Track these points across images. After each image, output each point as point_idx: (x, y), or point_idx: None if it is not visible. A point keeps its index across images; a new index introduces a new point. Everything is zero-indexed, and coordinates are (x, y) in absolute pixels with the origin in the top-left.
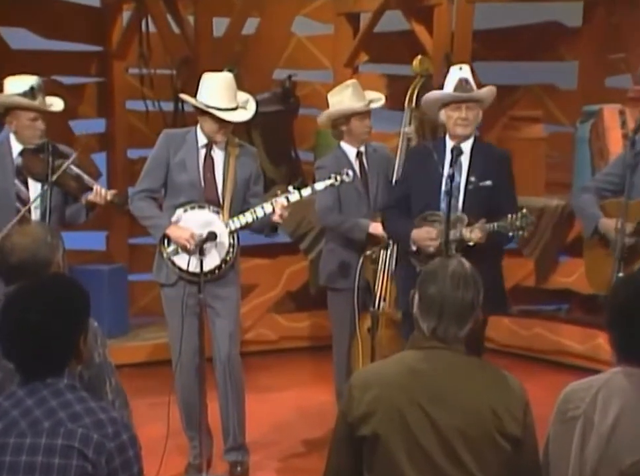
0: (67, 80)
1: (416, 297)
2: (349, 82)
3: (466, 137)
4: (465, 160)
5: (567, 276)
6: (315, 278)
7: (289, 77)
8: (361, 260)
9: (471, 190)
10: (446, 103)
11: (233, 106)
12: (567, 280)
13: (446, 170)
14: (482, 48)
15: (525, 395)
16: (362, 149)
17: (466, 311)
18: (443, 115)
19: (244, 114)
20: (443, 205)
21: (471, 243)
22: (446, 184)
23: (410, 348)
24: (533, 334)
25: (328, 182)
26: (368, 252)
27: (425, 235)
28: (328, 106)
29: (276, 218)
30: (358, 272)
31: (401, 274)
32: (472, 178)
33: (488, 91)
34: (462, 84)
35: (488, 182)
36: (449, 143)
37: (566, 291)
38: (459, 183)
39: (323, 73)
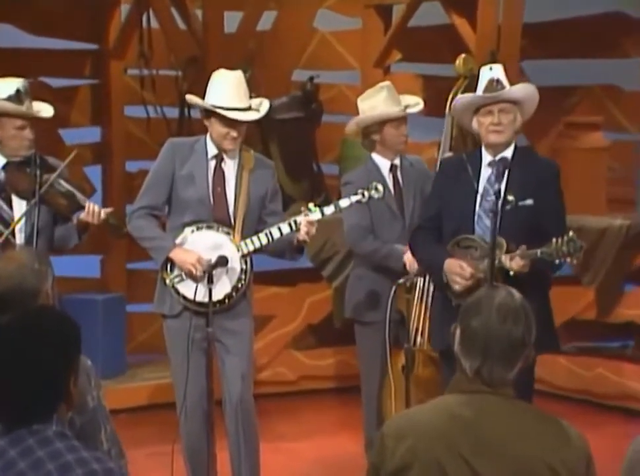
0: (56, 82)
1: (458, 332)
2: (383, 84)
3: (503, 147)
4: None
5: (633, 307)
6: (340, 309)
7: (311, 78)
8: (394, 289)
9: (509, 210)
10: (477, 108)
11: (244, 105)
12: (634, 313)
13: (482, 186)
14: (533, 44)
15: (586, 447)
16: (397, 161)
17: (515, 348)
18: (475, 123)
19: (254, 114)
20: (477, 227)
21: (511, 272)
22: (486, 201)
23: (451, 391)
24: (595, 376)
25: (354, 198)
26: (402, 280)
27: (457, 270)
28: (356, 112)
29: (301, 236)
30: (390, 302)
31: (436, 306)
32: (510, 197)
33: (523, 89)
34: (492, 85)
35: (529, 201)
36: (486, 155)
37: (632, 325)
38: (495, 202)
39: (350, 73)
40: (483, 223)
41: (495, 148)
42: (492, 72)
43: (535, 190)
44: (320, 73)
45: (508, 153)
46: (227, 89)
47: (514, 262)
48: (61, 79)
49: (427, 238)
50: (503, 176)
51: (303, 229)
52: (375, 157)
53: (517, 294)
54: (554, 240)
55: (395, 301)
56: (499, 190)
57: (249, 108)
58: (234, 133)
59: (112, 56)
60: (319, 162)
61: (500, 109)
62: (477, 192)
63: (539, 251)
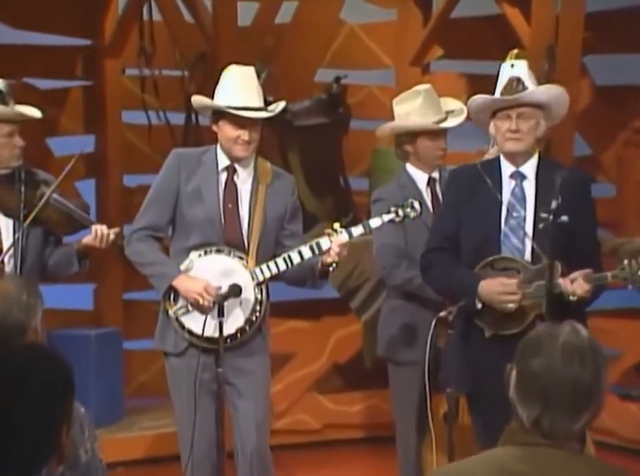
0: (43, 84)
1: (513, 374)
2: (421, 88)
3: (524, 156)
4: (529, 187)
5: None
6: (371, 347)
7: (338, 79)
8: (433, 323)
9: (542, 228)
10: (495, 112)
11: (256, 105)
12: None
13: (506, 198)
14: (597, 37)
15: None
16: (436, 174)
17: (581, 395)
18: (492, 127)
19: (267, 113)
20: (504, 248)
21: (572, 298)
22: (512, 218)
23: (505, 443)
24: None
25: (386, 217)
26: (443, 313)
27: (500, 288)
28: (390, 117)
29: (330, 258)
30: (429, 338)
31: (459, 340)
32: (543, 214)
33: (546, 91)
34: (512, 85)
35: (565, 218)
36: (506, 165)
37: None
38: (524, 219)
39: (383, 73)
40: (511, 243)
41: (514, 157)
42: (514, 69)
43: (567, 206)
44: (349, 73)
45: (531, 163)
46: (236, 86)
47: (577, 286)
48: (48, 80)
49: (447, 260)
50: (554, 189)
51: (335, 249)
52: (410, 168)
53: (583, 331)
54: (626, 262)
55: (435, 338)
56: (555, 209)
57: (263, 108)
58: (245, 136)
59: (107, 53)
60: (346, 176)
61: (519, 114)
62: (500, 203)
63: (609, 274)
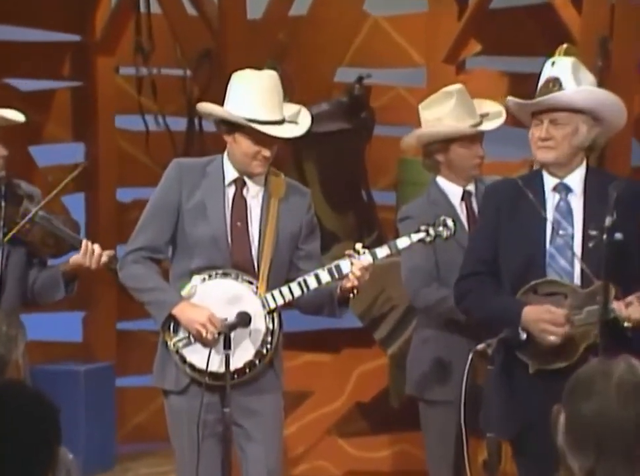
0: (26, 85)
1: (562, 418)
2: (452, 89)
3: (564, 167)
4: (576, 201)
5: None
6: (398, 384)
7: (360, 79)
8: (470, 356)
9: (592, 247)
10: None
11: (278, 118)
12: None
13: (550, 215)
14: None
15: None
16: (471, 187)
17: None
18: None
19: (296, 129)
20: (550, 270)
21: (627, 324)
22: (559, 236)
23: None
24: None
25: (415, 237)
26: (482, 345)
27: (546, 316)
28: (419, 123)
29: (351, 282)
30: (466, 374)
31: (498, 378)
32: (593, 231)
33: (587, 94)
34: (548, 86)
35: (619, 235)
36: (548, 177)
37: None
38: (572, 237)
39: (412, 72)
40: (558, 264)
41: (553, 168)
42: (554, 68)
43: (621, 221)
44: (372, 72)
45: (577, 174)
46: (259, 96)
47: (633, 311)
48: (32, 81)
49: (485, 287)
50: (606, 204)
51: (356, 273)
52: (442, 181)
53: None
54: None
55: (473, 374)
56: (606, 226)
57: (284, 120)
58: (266, 153)
59: (99, 50)
60: (370, 189)
61: (551, 119)
62: (545, 220)
63: None
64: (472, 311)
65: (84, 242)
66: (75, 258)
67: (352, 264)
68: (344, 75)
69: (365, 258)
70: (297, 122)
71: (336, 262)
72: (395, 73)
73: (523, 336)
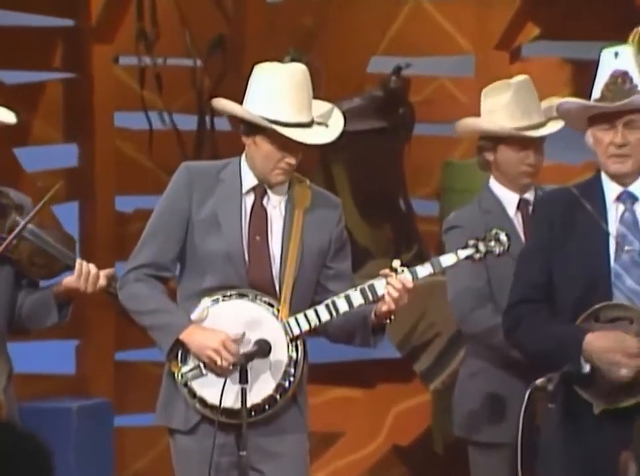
0: (10, 76)
1: (632, 467)
2: (513, 80)
3: (634, 175)
4: None
5: None
6: (443, 424)
7: (398, 69)
8: (527, 394)
9: None
10: (591, 118)
11: (305, 119)
12: None
13: (613, 228)
14: None
15: None
16: (529, 195)
17: None
18: (590, 137)
19: (327, 134)
20: (616, 291)
21: None
22: (625, 252)
23: None
24: None
25: (462, 253)
26: (541, 380)
27: (617, 345)
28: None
29: (387, 307)
30: (522, 413)
31: (555, 418)
32: None
33: None
34: (616, 82)
35: None
36: (610, 184)
37: None
38: (638, 252)
39: (458, 61)
40: (625, 285)
41: (621, 178)
42: (618, 60)
43: None
44: (412, 61)
45: None
46: (286, 94)
47: None
48: (17, 72)
49: (538, 315)
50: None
51: (392, 294)
52: (495, 186)
53: None
54: None
55: (530, 413)
56: None
57: (312, 122)
58: (291, 160)
59: (95, 37)
60: (409, 197)
61: (626, 122)
62: (607, 234)
63: None
64: (524, 344)
65: (78, 262)
66: (68, 280)
67: (388, 284)
68: (379, 65)
69: (404, 278)
70: (327, 124)
71: (370, 282)
72: (439, 62)
73: (586, 368)
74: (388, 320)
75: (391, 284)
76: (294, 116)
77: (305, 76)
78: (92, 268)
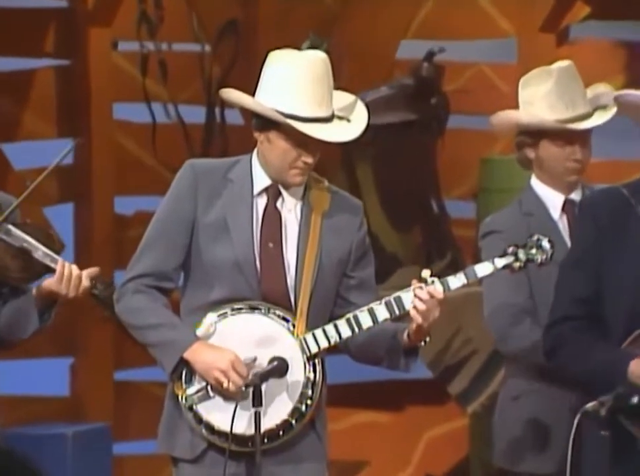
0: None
1: None
2: (554, 67)
3: None
4: None
5: None
6: (482, 452)
7: (431, 54)
8: (577, 420)
9: None
10: None
11: (325, 113)
12: None
13: None
14: None
15: None
16: (576, 195)
17: None
18: None
19: (349, 130)
20: None
21: None
22: None
23: None
24: None
25: (500, 262)
26: (592, 404)
27: None
28: (515, 107)
29: (415, 322)
30: (571, 441)
31: (596, 449)
32: None
33: None
34: None
35: None
36: None
37: None
38: None
39: (499, 45)
40: None
41: None
42: None
43: None
44: (446, 45)
45: None
46: (304, 85)
47: None
48: (5, 59)
49: (583, 336)
50: None
51: (419, 306)
52: (538, 186)
53: None
54: None
55: (580, 441)
56: None
57: (333, 116)
58: (308, 159)
59: (91, 20)
60: (442, 198)
61: None
62: None
63: None
64: (566, 370)
65: (59, 263)
66: (49, 283)
67: (415, 296)
68: (409, 50)
69: (434, 290)
70: (349, 119)
71: (396, 294)
72: (476, 46)
73: (634, 399)
74: (422, 343)
75: (417, 296)
76: (312, 110)
77: (326, 65)
78: (75, 269)
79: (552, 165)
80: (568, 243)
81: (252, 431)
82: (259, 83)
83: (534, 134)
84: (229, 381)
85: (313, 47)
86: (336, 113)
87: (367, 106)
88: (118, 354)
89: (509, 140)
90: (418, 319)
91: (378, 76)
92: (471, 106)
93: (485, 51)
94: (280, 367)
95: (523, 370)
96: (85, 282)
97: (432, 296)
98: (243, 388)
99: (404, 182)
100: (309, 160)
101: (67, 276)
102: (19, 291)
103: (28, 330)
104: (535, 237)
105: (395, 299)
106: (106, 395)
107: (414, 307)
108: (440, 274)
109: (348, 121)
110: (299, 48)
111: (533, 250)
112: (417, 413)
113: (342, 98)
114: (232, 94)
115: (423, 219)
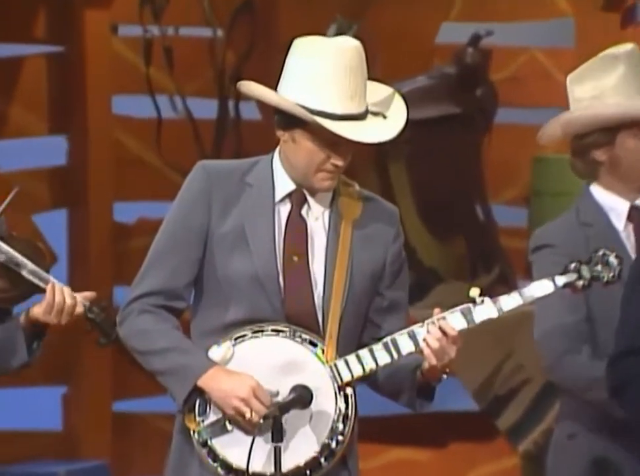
0: None
1: None
2: (619, 50)
3: None
4: None
5: None
6: None
7: (476, 38)
8: None
9: None
10: None
11: (358, 110)
12: None
13: None
14: None
15: None
16: None
17: None
18: None
19: (385, 128)
20: None
21: None
22: None
23: None
24: None
25: (560, 280)
26: None
27: None
28: (567, 103)
29: (428, 360)
30: None
31: None
32: None
33: None
34: None
35: None
36: None
37: None
38: None
39: (554, 26)
40: None
41: None
42: None
43: None
44: (494, 28)
45: None
46: (333, 78)
47: None
48: None
49: None
50: None
51: (432, 343)
52: (598, 191)
53: None
54: None
55: None
56: None
57: (367, 112)
58: (338, 161)
59: (88, 1)
60: (488, 204)
61: None
62: None
63: None
64: (633, 412)
65: (49, 287)
66: (37, 311)
67: (427, 332)
68: (451, 34)
69: (484, 310)
70: (385, 115)
71: (444, 314)
72: (528, 28)
73: None
74: (438, 381)
75: (429, 332)
76: (343, 106)
77: (359, 54)
78: (67, 294)
79: (633, 162)
80: (633, 257)
81: (272, 469)
82: (282, 75)
83: (607, 131)
84: (251, 411)
85: (340, 30)
86: (370, 108)
87: (404, 98)
88: (117, 381)
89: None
90: (432, 359)
91: (415, 64)
92: (522, 97)
93: (538, 34)
94: (302, 397)
95: (581, 404)
96: (79, 309)
97: (444, 333)
98: (261, 420)
99: (444, 185)
100: (339, 162)
101: (59, 304)
102: (3, 316)
103: (13, 364)
104: (601, 252)
105: (432, 321)
106: (103, 429)
107: (426, 345)
108: (486, 291)
109: (384, 118)
110: (324, 33)
111: (599, 267)
112: (461, 450)
113: (377, 91)
114: (252, 88)
115: (467, 227)
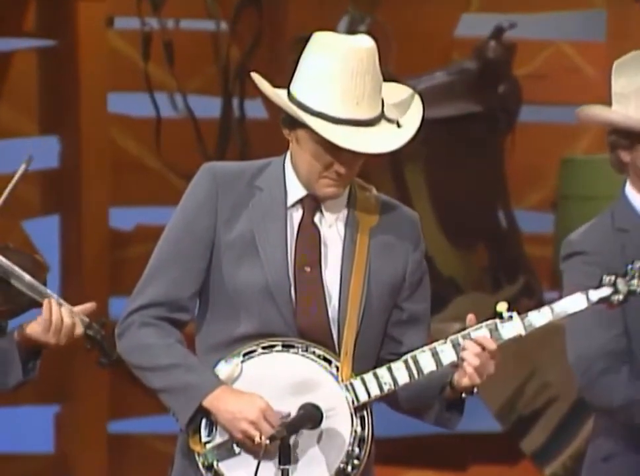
0: None
1: None
2: None
3: None
4: None
5: None
6: None
7: (499, 31)
8: None
9: None
10: None
11: (366, 115)
12: None
13: None
14: None
15: None
16: None
17: None
18: None
19: (391, 139)
20: None
21: None
22: None
23: None
24: None
25: (595, 295)
26: None
27: None
28: (603, 99)
29: (466, 379)
30: None
31: None
32: None
33: None
34: None
35: None
36: None
37: None
38: None
39: (584, 18)
40: None
41: None
42: None
43: None
44: (518, 19)
45: None
46: (338, 78)
47: None
48: None
49: None
50: None
51: (471, 361)
52: (633, 194)
53: None
54: None
55: None
56: None
57: (381, 117)
58: (341, 169)
59: None
60: (511, 209)
61: None
62: None
63: None
64: None
65: (46, 304)
66: (33, 329)
67: (491, 333)
68: (472, 26)
69: (512, 327)
70: (399, 123)
71: (467, 330)
72: (555, 20)
73: None
74: (470, 394)
75: (466, 345)
76: (347, 110)
77: (371, 57)
78: (66, 314)
79: None
80: None
81: None
82: (296, 71)
83: (630, 135)
84: (260, 435)
85: (353, 23)
86: (386, 113)
87: (421, 97)
88: (113, 400)
89: (596, 136)
90: (475, 379)
91: (433, 59)
92: (547, 94)
93: (566, 26)
94: (311, 415)
95: (615, 426)
96: (78, 330)
97: (483, 348)
98: (267, 441)
99: (464, 189)
100: (342, 170)
101: (56, 323)
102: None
103: (8, 383)
104: (638, 264)
105: (457, 339)
106: (98, 451)
107: (467, 364)
108: (510, 303)
109: (398, 126)
110: (335, 26)
111: (635, 280)
112: (483, 474)
113: (394, 92)
114: (256, 79)
115: (488, 234)
